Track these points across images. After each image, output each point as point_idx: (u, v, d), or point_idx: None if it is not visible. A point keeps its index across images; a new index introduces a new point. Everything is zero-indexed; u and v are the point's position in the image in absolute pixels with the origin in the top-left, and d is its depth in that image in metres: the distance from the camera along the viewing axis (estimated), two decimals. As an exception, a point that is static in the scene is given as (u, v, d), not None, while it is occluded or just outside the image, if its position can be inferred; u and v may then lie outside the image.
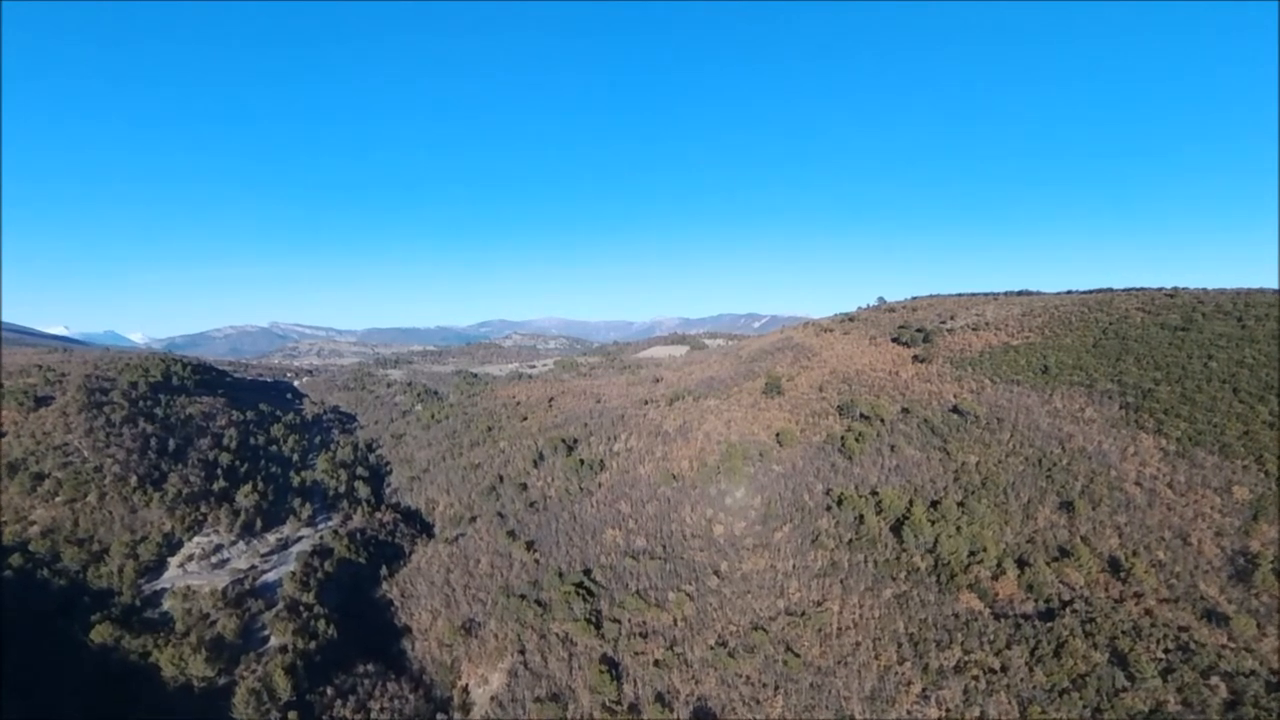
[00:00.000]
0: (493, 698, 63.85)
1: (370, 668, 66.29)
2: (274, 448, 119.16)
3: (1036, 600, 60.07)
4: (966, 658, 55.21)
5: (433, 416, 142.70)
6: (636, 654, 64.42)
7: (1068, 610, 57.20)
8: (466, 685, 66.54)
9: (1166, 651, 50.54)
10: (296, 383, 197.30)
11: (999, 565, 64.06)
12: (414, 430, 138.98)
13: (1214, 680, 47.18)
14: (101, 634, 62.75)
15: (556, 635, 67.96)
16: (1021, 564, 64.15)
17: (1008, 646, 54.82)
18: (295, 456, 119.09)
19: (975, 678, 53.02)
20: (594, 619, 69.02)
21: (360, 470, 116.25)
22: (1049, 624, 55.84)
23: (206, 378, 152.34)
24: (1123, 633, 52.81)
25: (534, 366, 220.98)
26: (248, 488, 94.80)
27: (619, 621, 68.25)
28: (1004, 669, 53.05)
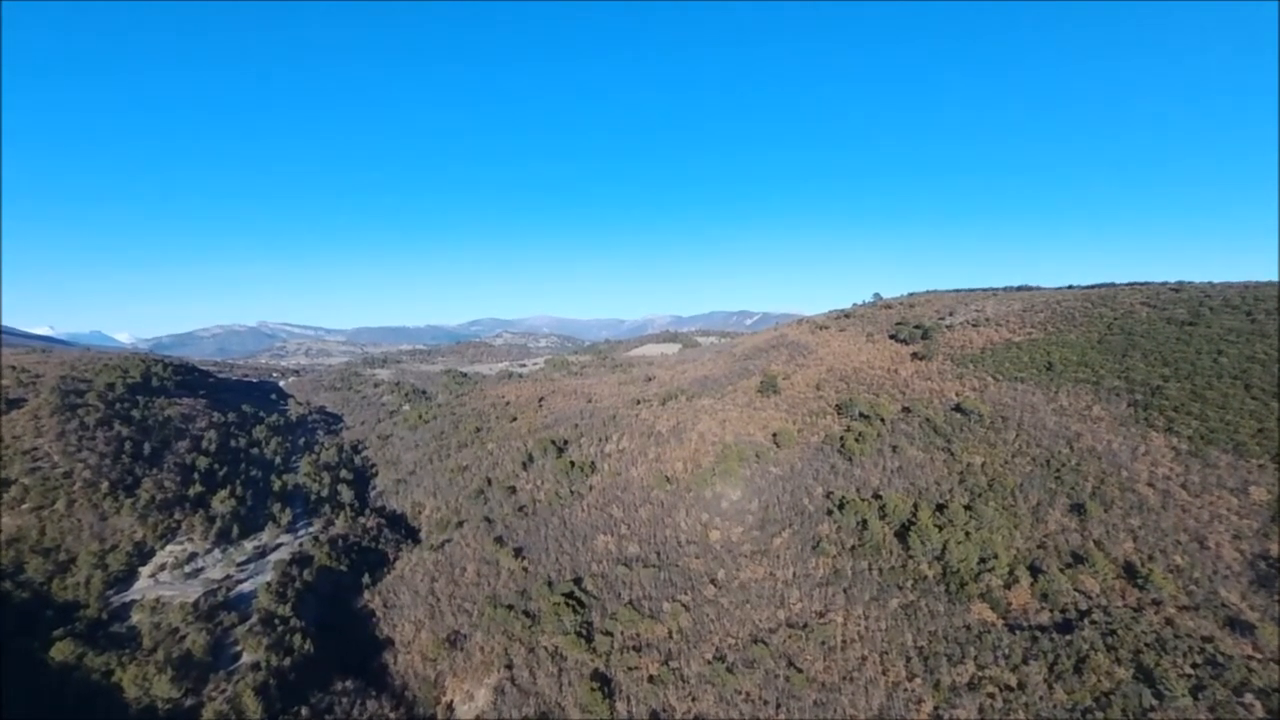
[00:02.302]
0: (478, 716, 60.46)
1: (349, 685, 62.76)
2: (256, 450, 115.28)
3: (1052, 610, 57.18)
4: (981, 674, 52.28)
5: (420, 417, 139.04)
6: (630, 669, 61.15)
7: (1086, 621, 54.34)
8: (450, 702, 63.09)
9: (1194, 666, 47.68)
10: (282, 383, 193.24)
11: (1011, 573, 61.20)
12: (401, 431, 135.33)
13: (1248, 698, 44.30)
14: (62, 651, 58.96)
15: (545, 649, 64.63)
16: (1034, 571, 61.26)
17: (1024, 661, 51.91)
18: (278, 459, 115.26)
19: (991, 695, 50.10)
20: (585, 632, 65.73)
21: (344, 473, 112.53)
22: (1067, 636, 52.94)
23: (188, 378, 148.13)
24: (1146, 645, 49.96)
25: (524, 365, 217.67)
26: (224, 493, 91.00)
27: (611, 634, 64.97)
28: (1021, 686, 50.11)
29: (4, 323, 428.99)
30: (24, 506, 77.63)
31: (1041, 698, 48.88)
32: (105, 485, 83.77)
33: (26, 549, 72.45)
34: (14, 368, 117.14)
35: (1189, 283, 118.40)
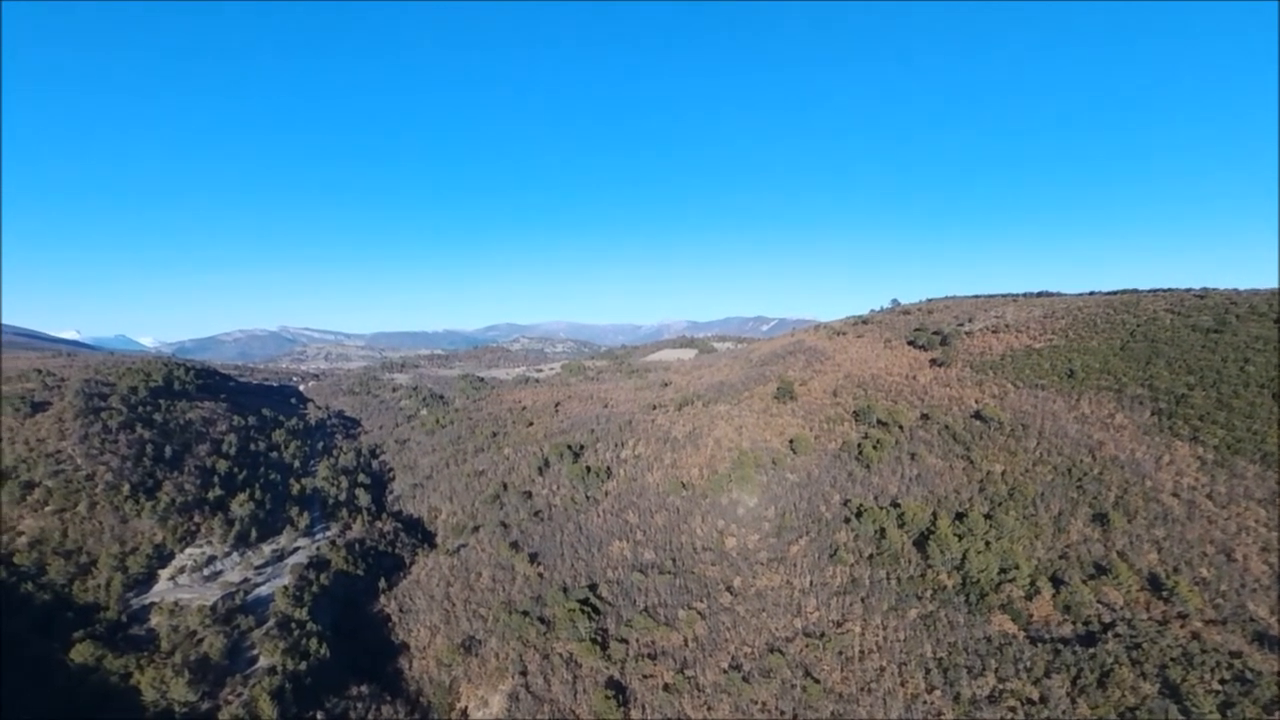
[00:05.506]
0: (492, 723, 60.40)
1: (364, 689, 62.74)
2: (275, 454, 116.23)
3: (1075, 622, 56.09)
4: (1002, 686, 51.34)
5: (437, 421, 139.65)
6: (645, 677, 60.77)
7: (1110, 634, 53.24)
8: (465, 708, 62.97)
9: (1222, 682, 46.52)
10: (302, 387, 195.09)
11: (1032, 583, 60.13)
12: (418, 435, 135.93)
13: (1279, 716, 43.17)
14: (82, 653, 59.36)
15: (560, 656, 64.40)
16: (1056, 582, 60.19)
17: (1047, 675, 50.88)
18: (296, 463, 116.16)
19: (1012, 709, 49.15)
20: (600, 638, 65.47)
21: (362, 477, 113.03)
22: (1090, 649, 51.88)
23: (209, 382, 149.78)
24: (1172, 660, 48.84)
25: (541, 370, 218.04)
26: (243, 496, 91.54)
27: (626, 641, 64.67)
28: (1043, 700, 49.13)
29: (32, 327, 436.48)
30: (47, 509, 78.47)
31: (1064, 712, 47.87)
32: (126, 488, 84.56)
33: (49, 551, 73.17)
34: (39, 371, 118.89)
35: (1214, 289, 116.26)
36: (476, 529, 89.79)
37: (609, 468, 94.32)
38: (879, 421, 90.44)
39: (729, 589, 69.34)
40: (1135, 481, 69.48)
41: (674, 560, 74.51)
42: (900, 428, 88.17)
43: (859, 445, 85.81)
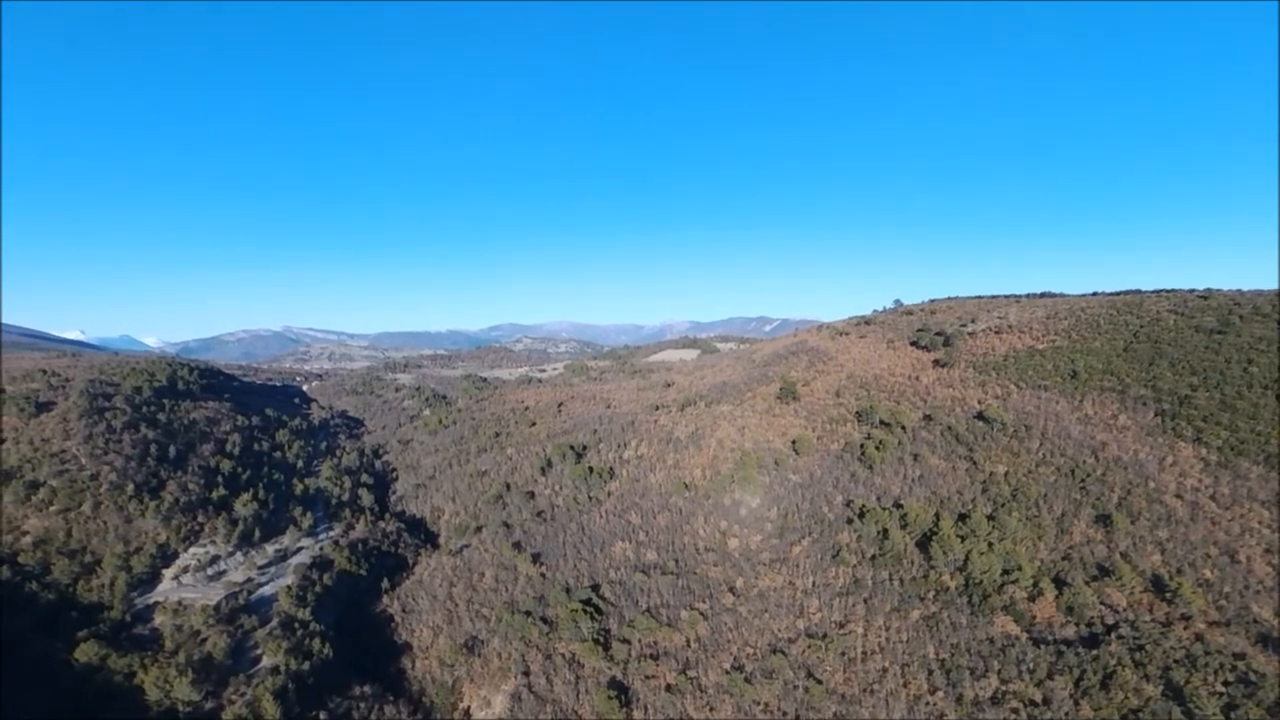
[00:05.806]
0: (494, 723, 60.48)
1: (367, 689, 62.83)
2: (278, 454, 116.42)
3: (1078, 624, 56.04)
4: (1004, 688, 51.30)
5: (440, 422, 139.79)
6: (647, 678, 60.81)
7: (1113, 636, 53.17)
8: (468, 708, 63.09)
9: (1226, 684, 46.46)
10: (305, 387, 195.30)
11: (1035, 585, 60.07)
12: (421, 436, 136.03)
13: (1283, 719, 43.16)
14: (86, 653, 59.53)
15: (562, 656, 64.48)
16: (1059, 583, 60.12)
17: (1049, 676, 50.84)
18: (299, 463, 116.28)
19: (1015, 711, 49.12)
20: (602, 639, 65.49)
21: (365, 477, 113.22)
22: (1094, 651, 51.83)
23: (213, 382, 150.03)
24: (1175, 662, 48.78)
25: (544, 370, 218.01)
26: (247, 496, 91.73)
27: (629, 642, 64.71)
28: (1046, 701, 49.11)
29: (37, 327, 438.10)
30: (51, 509, 78.74)
31: (1067, 714, 47.87)
32: (131, 488, 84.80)
33: (53, 550, 73.39)
34: (44, 371, 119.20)
35: (1218, 290, 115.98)
36: (479, 529, 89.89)
37: (611, 468, 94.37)
38: (881, 422, 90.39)
39: (731, 590, 69.36)
40: (1138, 483, 69.42)
41: (676, 561, 74.56)
42: (903, 428, 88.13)
43: (861, 446, 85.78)
